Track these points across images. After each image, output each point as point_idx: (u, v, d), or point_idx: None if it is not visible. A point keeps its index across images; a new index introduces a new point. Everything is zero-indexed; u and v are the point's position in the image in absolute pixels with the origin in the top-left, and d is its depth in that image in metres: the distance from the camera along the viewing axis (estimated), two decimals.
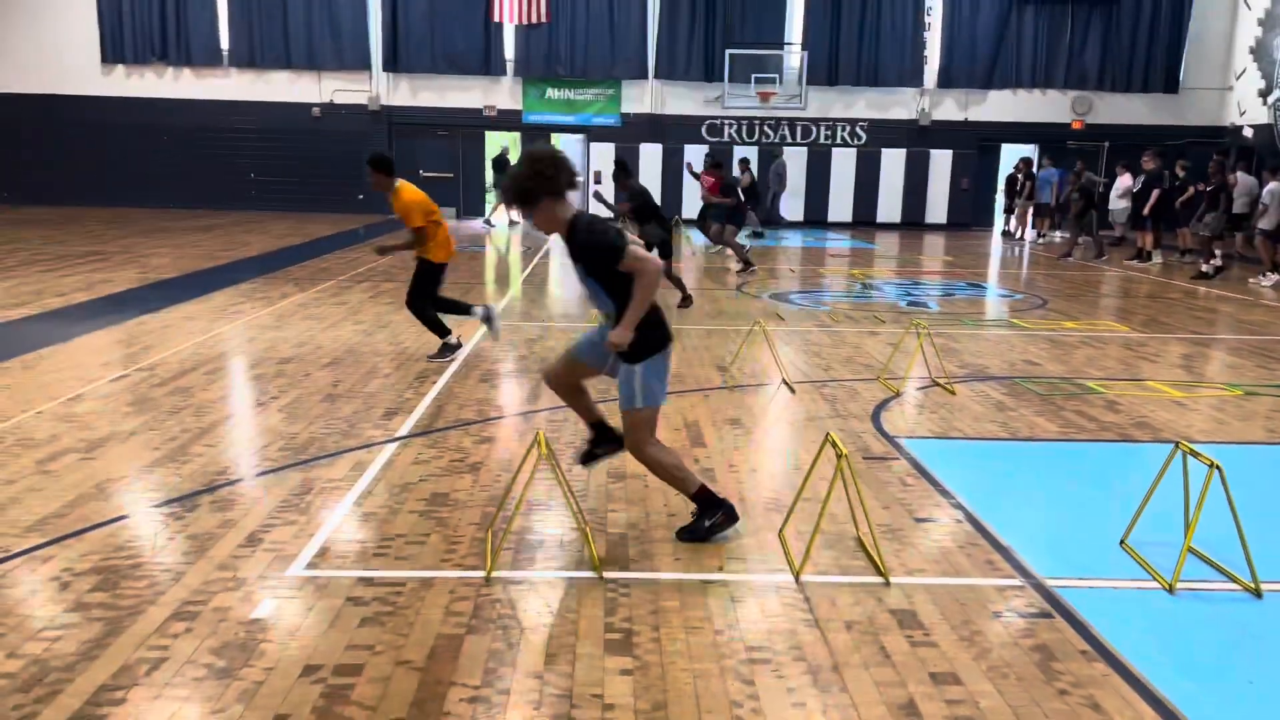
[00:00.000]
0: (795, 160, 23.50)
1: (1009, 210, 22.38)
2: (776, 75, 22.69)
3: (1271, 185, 13.21)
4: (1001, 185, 23.66)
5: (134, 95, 22.75)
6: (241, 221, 19.92)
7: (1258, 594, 3.68)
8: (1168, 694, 2.97)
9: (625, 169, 10.27)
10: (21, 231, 16.58)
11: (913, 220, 23.58)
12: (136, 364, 7.12)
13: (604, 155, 23.41)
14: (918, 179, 23.55)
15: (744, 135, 23.73)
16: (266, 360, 7.38)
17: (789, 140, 23.76)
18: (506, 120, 23.69)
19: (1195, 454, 3.75)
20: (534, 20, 22.89)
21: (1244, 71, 22.64)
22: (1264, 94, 21.65)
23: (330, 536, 4.07)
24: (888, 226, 23.43)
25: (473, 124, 23.53)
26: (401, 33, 22.92)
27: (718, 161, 14.94)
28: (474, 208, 24.04)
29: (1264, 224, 13.29)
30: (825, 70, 23.21)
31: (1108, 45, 23.18)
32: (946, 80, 23.52)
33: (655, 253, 8.41)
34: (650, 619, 3.40)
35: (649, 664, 3.10)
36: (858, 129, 23.78)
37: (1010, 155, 25.01)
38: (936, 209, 23.58)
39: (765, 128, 23.77)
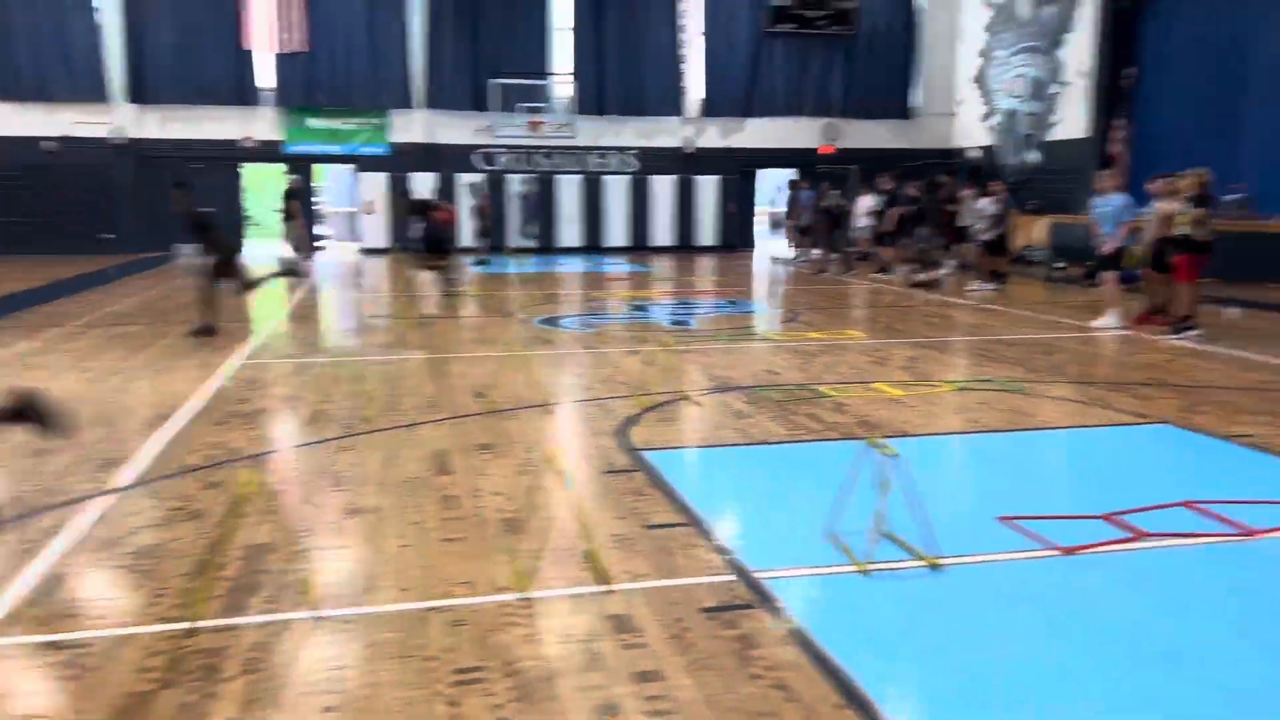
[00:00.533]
0: (570, 188, 23.91)
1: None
2: (545, 104, 22.99)
3: (983, 202, 14.66)
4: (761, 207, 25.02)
5: None
6: None
7: (935, 568, 4.04)
8: (851, 669, 3.20)
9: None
10: None
11: (684, 243, 24.52)
12: None
13: (374, 185, 22.99)
14: (686, 204, 24.54)
15: (519, 163, 23.88)
16: None
17: (562, 168, 24.12)
18: (268, 151, 22.74)
19: (879, 446, 4.09)
20: (291, 48, 22.14)
21: (962, 101, 25.04)
22: (985, 118, 24.02)
23: (15, 601, 3.74)
24: (661, 249, 24.21)
25: (230, 156, 22.43)
26: (146, 62, 21.57)
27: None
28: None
29: (983, 237, 14.71)
30: (595, 100, 23.75)
31: (850, 76, 24.99)
32: (709, 109, 24.62)
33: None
34: (366, 652, 3.34)
35: (357, 698, 3.04)
36: (628, 157, 24.46)
37: (768, 180, 26.50)
38: (705, 232, 24.64)
39: (539, 156, 24.02)
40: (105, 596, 3.81)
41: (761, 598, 3.77)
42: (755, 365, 8.74)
